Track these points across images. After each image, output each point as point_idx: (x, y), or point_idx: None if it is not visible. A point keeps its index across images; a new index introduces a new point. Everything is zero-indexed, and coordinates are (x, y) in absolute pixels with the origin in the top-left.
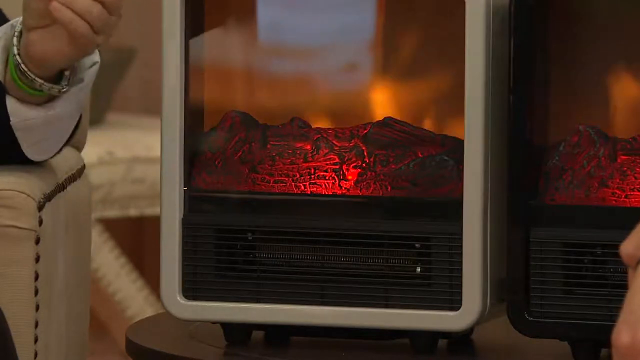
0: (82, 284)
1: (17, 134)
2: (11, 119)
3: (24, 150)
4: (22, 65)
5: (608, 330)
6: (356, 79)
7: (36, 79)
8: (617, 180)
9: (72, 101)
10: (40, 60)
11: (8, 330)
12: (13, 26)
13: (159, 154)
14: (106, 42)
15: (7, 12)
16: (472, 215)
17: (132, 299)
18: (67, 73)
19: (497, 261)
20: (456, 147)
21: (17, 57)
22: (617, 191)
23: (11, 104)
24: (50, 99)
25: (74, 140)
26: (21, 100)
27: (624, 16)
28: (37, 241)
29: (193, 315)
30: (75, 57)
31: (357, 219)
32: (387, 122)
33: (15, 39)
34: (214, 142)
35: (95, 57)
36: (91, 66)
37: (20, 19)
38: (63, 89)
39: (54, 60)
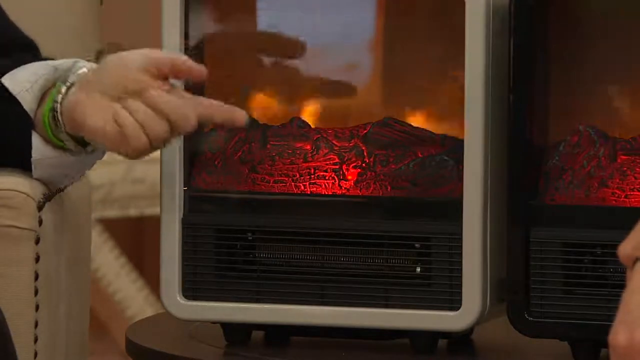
0: (82, 284)
1: (34, 167)
2: (33, 155)
3: (34, 176)
4: (59, 116)
5: (608, 330)
6: (356, 79)
7: (68, 137)
8: (617, 180)
9: (95, 154)
10: (78, 125)
11: (8, 330)
12: (57, 69)
13: (158, 154)
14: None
15: (16, 15)
16: (472, 215)
17: (132, 299)
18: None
19: (497, 261)
20: (456, 147)
21: (59, 105)
22: (617, 191)
23: (36, 141)
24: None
25: None
26: (45, 140)
27: (623, 16)
28: (37, 241)
29: (193, 315)
30: (111, 150)
31: (357, 219)
32: (387, 122)
33: (64, 87)
34: (214, 142)
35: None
36: None
37: (66, 62)
38: (88, 152)
39: (89, 135)
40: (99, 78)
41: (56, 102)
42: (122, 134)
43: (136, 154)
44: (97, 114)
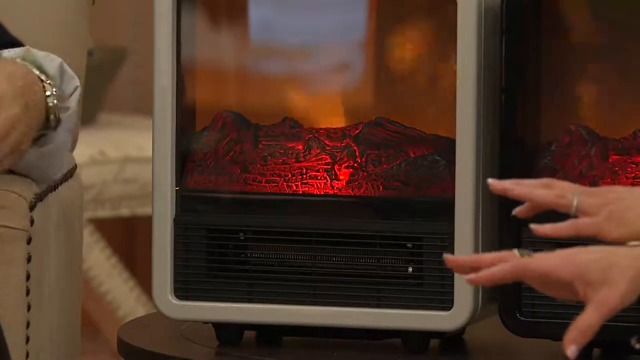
0: (74, 284)
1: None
2: None
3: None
4: None
5: (600, 330)
6: (348, 79)
7: None
8: (609, 180)
9: (64, 130)
10: None
11: (0, 330)
12: None
13: (150, 153)
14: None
15: (7, 13)
16: (464, 215)
17: (124, 299)
18: (52, 117)
19: None
20: (448, 147)
21: None
22: None
23: None
24: (41, 135)
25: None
26: None
27: (615, 15)
28: (29, 241)
29: (185, 315)
30: None
31: (349, 219)
32: (379, 122)
33: None
34: (206, 142)
35: (75, 81)
36: (72, 92)
37: None
38: (50, 130)
39: None
40: None
41: None
42: None
43: None
44: None
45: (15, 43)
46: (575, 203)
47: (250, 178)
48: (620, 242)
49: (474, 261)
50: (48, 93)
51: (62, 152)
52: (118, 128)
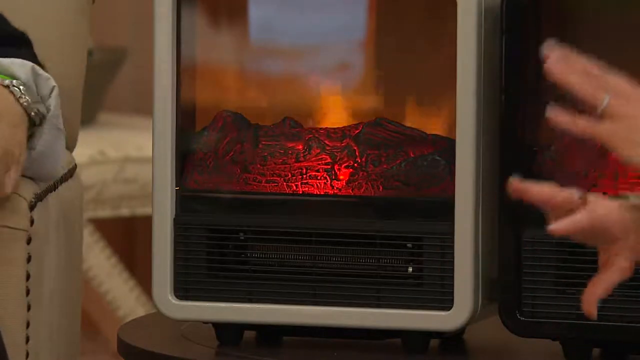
0: (74, 284)
1: None
2: None
3: None
4: None
5: (600, 330)
6: (348, 79)
7: None
8: (610, 179)
9: (51, 129)
10: None
11: None
12: None
13: (150, 153)
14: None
15: (7, 13)
16: (464, 215)
17: (124, 299)
18: (32, 114)
19: (489, 261)
20: (448, 146)
21: None
22: (609, 191)
23: None
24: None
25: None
26: None
27: (615, 16)
28: (29, 241)
29: (185, 315)
30: None
31: (349, 218)
32: (379, 122)
33: None
34: (206, 142)
35: (51, 82)
36: (51, 92)
37: None
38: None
39: None
40: None
41: None
42: None
43: None
44: None
45: (15, 35)
46: (605, 104)
47: (250, 178)
48: (627, 163)
49: (543, 194)
50: (17, 95)
51: (54, 151)
52: (118, 128)
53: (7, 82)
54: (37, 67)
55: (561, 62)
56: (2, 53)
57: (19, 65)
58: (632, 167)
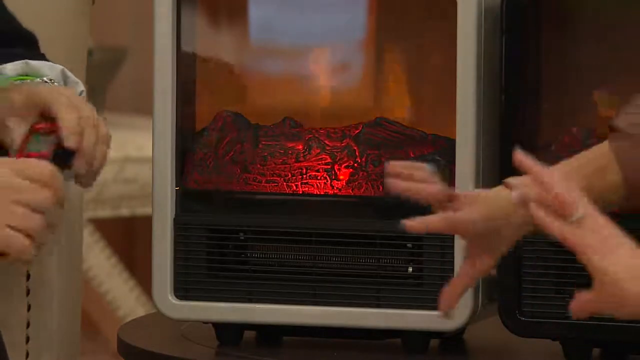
0: (74, 284)
1: None
2: None
3: None
4: None
5: (599, 330)
6: (348, 79)
7: None
8: None
9: None
10: None
11: None
12: None
13: (150, 153)
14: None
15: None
16: None
17: (124, 299)
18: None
19: None
20: (447, 147)
21: None
22: None
23: None
24: None
25: None
26: None
27: (615, 16)
28: None
29: (185, 315)
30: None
31: (349, 219)
32: (379, 122)
33: None
34: (206, 142)
35: (80, 86)
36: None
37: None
38: None
39: None
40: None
41: None
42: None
43: (21, 253)
44: None
45: (23, 34)
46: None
47: (250, 178)
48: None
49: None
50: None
51: None
52: (118, 128)
53: (46, 78)
54: (66, 70)
55: (536, 184)
56: (13, 52)
57: (49, 68)
58: (601, 274)
